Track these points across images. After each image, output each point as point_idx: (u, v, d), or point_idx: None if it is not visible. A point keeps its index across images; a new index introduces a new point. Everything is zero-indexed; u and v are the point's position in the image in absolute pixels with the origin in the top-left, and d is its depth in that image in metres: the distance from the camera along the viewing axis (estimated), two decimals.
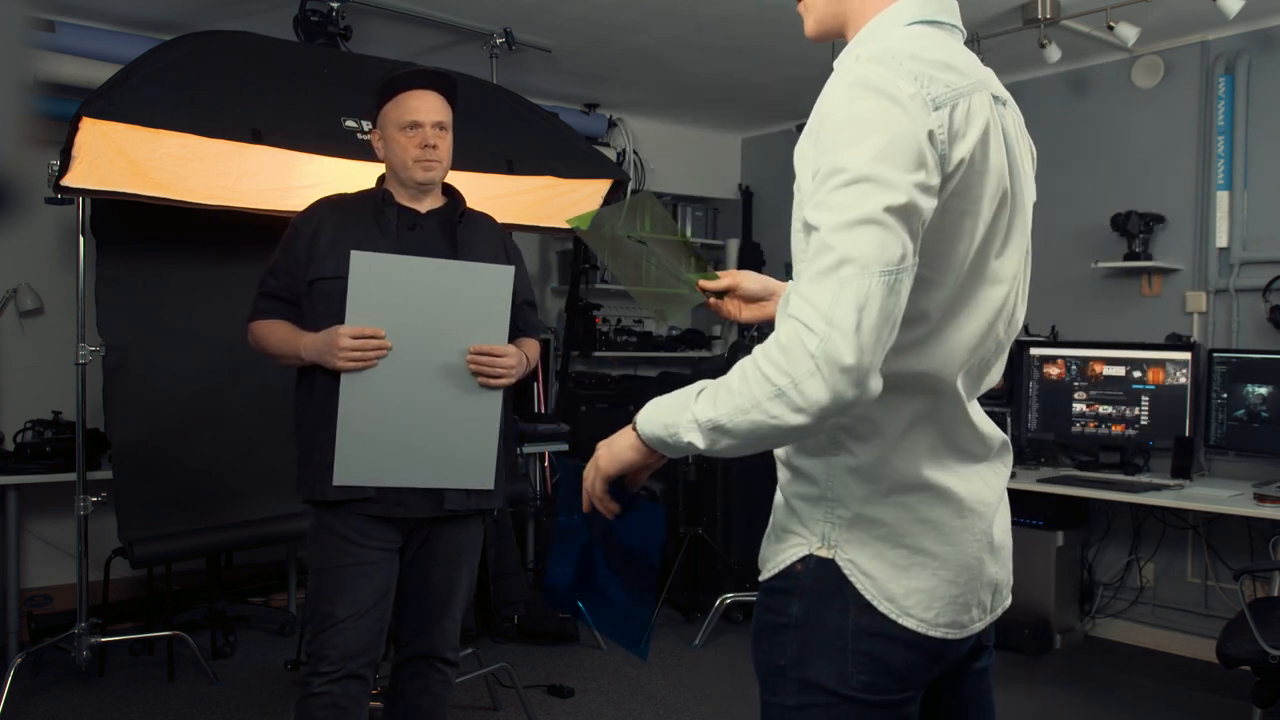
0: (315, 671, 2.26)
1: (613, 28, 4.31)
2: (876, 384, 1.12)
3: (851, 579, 1.25)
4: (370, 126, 2.43)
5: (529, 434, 4.75)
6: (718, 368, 3.42)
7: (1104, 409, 4.35)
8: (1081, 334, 4.59)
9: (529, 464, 5.02)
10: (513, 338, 2.33)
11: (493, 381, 2.27)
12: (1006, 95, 1.33)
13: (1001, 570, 1.37)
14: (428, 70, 2.35)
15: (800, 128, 1.30)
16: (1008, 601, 1.41)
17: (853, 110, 1.14)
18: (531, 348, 2.44)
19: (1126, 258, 4.41)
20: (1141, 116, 4.52)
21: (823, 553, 1.27)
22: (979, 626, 1.34)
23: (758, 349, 1.16)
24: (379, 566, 2.30)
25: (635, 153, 5.75)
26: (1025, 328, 4.65)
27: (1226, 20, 3.86)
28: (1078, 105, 4.72)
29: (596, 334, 5.61)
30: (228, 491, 3.82)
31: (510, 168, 3.52)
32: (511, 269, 2.28)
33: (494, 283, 2.25)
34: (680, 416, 1.21)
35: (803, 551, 1.29)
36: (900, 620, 1.25)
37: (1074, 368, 4.43)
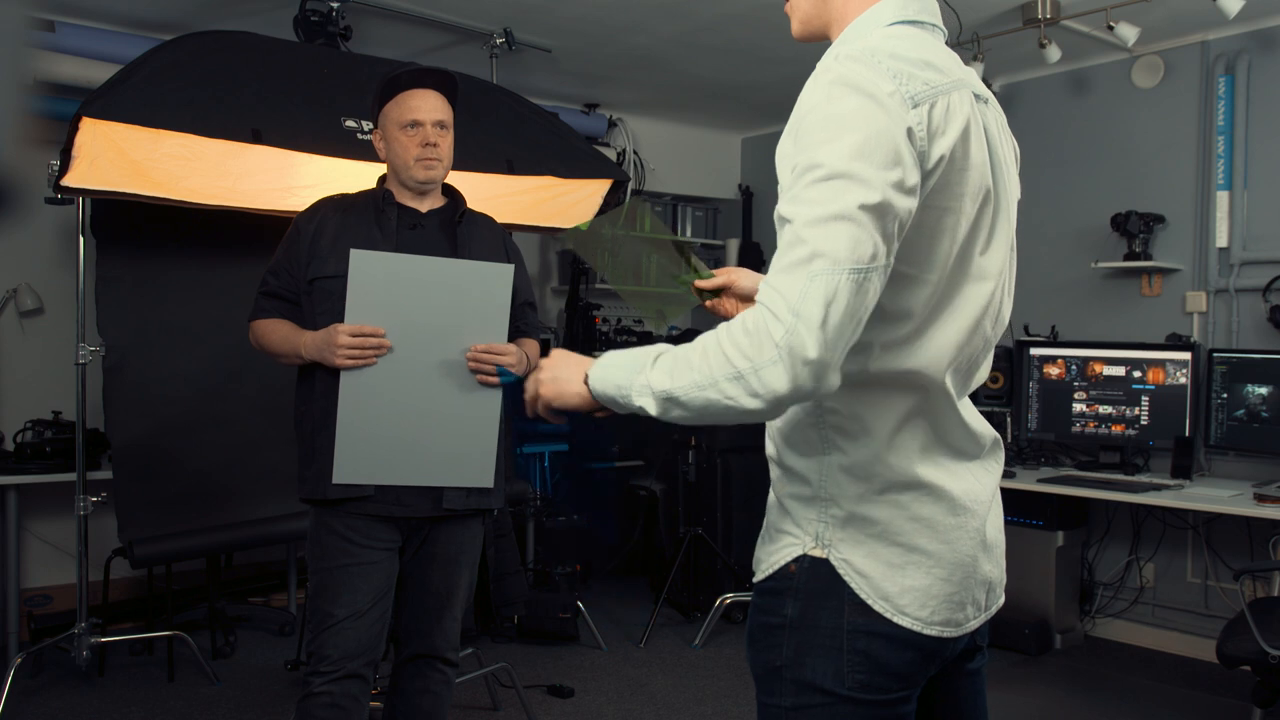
0: (315, 671, 2.26)
1: (613, 28, 4.31)
2: (835, 379, 1.14)
3: (846, 578, 1.26)
4: (371, 127, 2.43)
5: (529, 434, 4.76)
6: None
7: (1104, 409, 4.35)
8: (1081, 334, 4.59)
9: (529, 464, 5.02)
10: (513, 338, 2.34)
11: (493, 380, 2.27)
12: (988, 94, 1.34)
13: (995, 568, 1.37)
14: (428, 69, 2.35)
15: None
16: (1001, 600, 1.41)
17: (831, 108, 1.15)
18: (532, 348, 2.44)
19: (1126, 258, 4.41)
20: (1141, 116, 4.52)
21: (817, 552, 1.28)
22: (974, 625, 1.34)
23: (722, 327, 1.17)
24: (379, 566, 2.30)
25: (635, 153, 5.75)
26: (1025, 328, 4.65)
27: (1226, 20, 3.86)
28: (1078, 105, 4.72)
29: (596, 334, 5.61)
30: (228, 491, 3.82)
31: (510, 168, 3.52)
32: (511, 267, 2.28)
33: (493, 281, 2.25)
34: (634, 379, 1.22)
35: (797, 551, 1.29)
36: (895, 619, 1.25)
37: (1074, 368, 4.43)
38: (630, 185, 3.97)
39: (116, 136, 2.94)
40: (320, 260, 2.28)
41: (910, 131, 1.15)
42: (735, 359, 1.13)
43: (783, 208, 1.17)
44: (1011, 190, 1.35)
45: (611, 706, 3.68)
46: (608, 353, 1.28)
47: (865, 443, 1.26)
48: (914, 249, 1.20)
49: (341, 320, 2.18)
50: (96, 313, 3.67)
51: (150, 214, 3.47)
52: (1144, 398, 4.27)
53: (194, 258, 3.88)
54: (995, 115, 1.34)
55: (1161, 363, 4.24)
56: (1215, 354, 4.09)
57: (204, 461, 3.80)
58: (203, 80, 3.09)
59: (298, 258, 2.31)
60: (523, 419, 1.50)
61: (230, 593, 4.57)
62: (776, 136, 1.24)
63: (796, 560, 1.29)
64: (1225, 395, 4.02)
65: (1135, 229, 4.36)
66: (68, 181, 2.99)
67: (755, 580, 1.35)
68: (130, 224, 3.72)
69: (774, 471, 1.36)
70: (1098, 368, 4.38)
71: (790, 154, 1.19)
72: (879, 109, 1.14)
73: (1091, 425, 4.38)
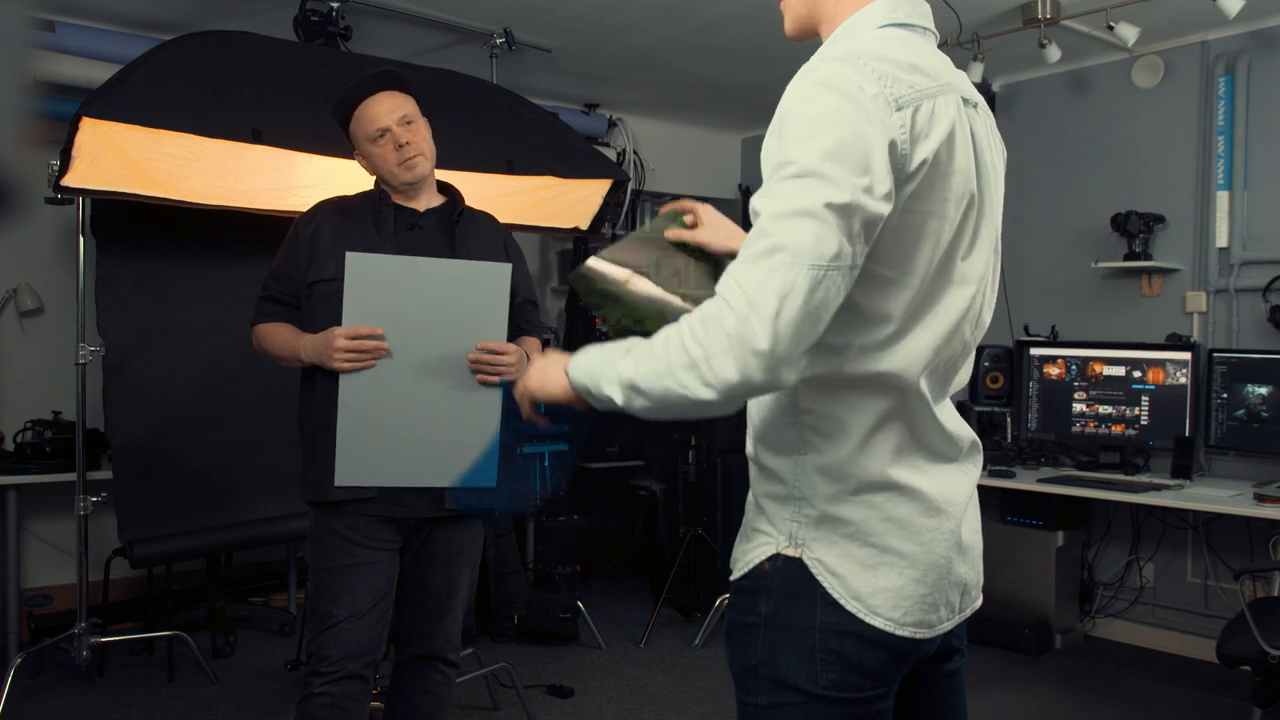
0: (316, 671, 2.26)
1: (613, 28, 4.31)
2: (790, 374, 1.14)
3: (819, 578, 1.26)
4: (353, 150, 2.43)
5: (529, 434, 4.75)
6: None
7: (1104, 409, 4.35)
8: (1081, 334, 4.59)
9: (529, 464, 5.01)
10: (514, 336, 2.34)
11: (493, 380, 2.27)
12: (978, 98, 1.34)
13: (971, 570, 1.37)
14: (368, 77, 2.33)
15: None
16: (978, 602, 1.41)
17: (812, 108, 1.16)
18: (533, 346, 2.44)
19: (1126, 258, 4.41)
20: (1141, 116, 4.52)
21: (790, 552, 1.28)
22: (947, 626, 1.34)
23: (685, 317, 1.18)
24: (379, 566, 2.30)
25: (635, 153, 5.75)
26: (1025, 328, 4.65)
27: (1226, 20, 3.86)
28: (1078, 105, 4.72)
29: (597, 334, 5.61)
30: (228, 491, 3.82)
31: (510, 168, 3.52)
32: (508, 266, 2.28)
33: (490, 280, 2.25)
34: (606, 370, 1.24)
35: (770, 550, 1.30)
36: (868, 619, 1.25)
37: (1074, 368, 4.43)
38: (630, 185, 3.97)
39: (116, 136, 2.94)
40: (319, 263, 2.28)
41: (891, 136, 1.15)
42: (690, 347, 1.14)
43: (755, 201, 1.18)
44: (997, 196, 1.35)
45: (611, 706, 3.68)
46: (589, 345, 1.29)
47: (841, 443, 1.26)
48: (895, 252, 1.20)
49: (339, 323, 2.18)
50: (96, 313, 3.67)
51: (150, 214, 3.47)
52: (1144, 398, 4.27)
53: (194, 258, 3.88)
54: (985, 120, 1.35)
55: (1161, 363, 4.24)
56: (1215, 354, 4.09)
57: (204, 461, 3.81)
58: (203, 80, 3.09)
59: (297, 261, 2.32)
60: (519, 419, 1.52)
61: (230, 593, 4.57)
62: None
63: (770, 559, 1.29)
64: (1225, 395, 4.02)
65: (1135, 229, 4.36)
66: (68, 181, 2.99)
67: (731, 579, 1.35)
68: (130, 224, 3.72)
69: (752, 470, 1.37)
70: (1098, 368, 4.38)
71: (774, 150, 1.20)
72: (858, 112, 1.14)
73: (1091, 425, 4.38)
